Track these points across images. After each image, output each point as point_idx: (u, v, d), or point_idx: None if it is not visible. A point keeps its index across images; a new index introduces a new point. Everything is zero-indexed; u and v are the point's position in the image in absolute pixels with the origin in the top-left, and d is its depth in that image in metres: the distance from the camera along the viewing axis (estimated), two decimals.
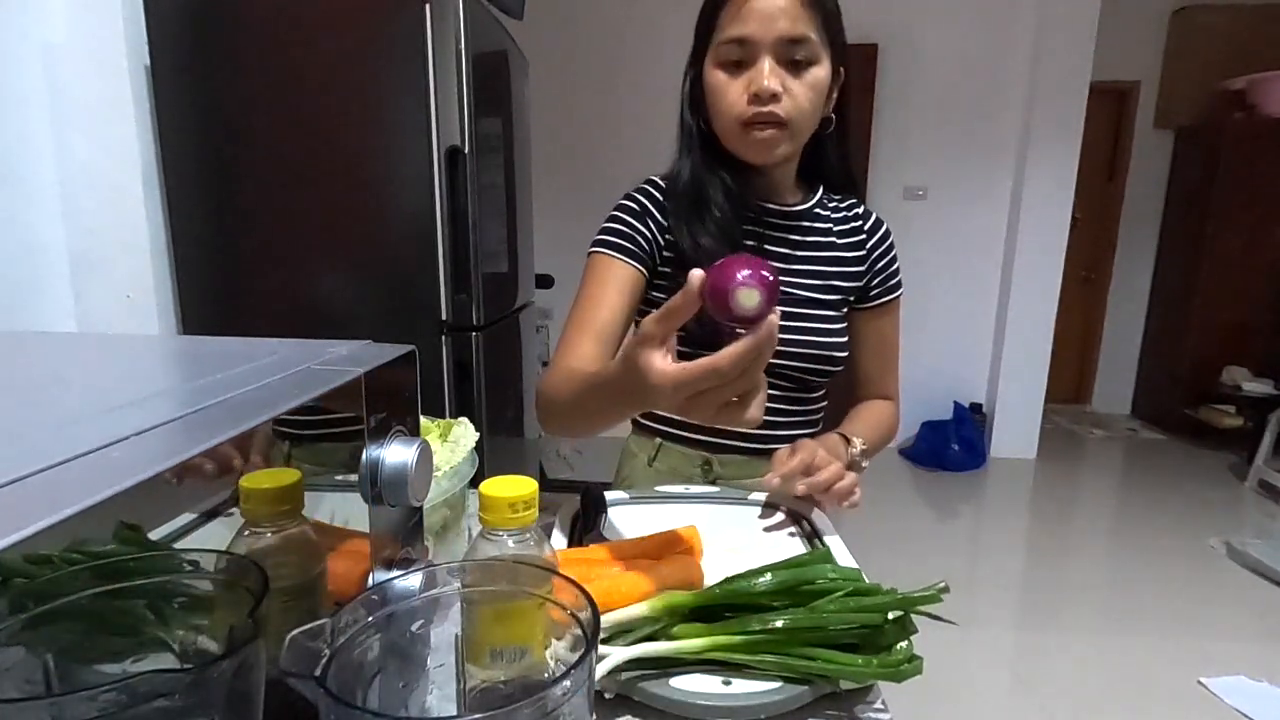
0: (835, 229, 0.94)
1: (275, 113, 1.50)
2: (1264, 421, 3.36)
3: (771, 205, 0.92)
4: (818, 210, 0.94)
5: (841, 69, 0.86)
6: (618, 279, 0.87)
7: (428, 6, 1.41)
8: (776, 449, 0.92)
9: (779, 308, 0.79)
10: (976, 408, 3.84)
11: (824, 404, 0.99)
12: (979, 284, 3.81)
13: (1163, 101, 4.13)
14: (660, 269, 0.91)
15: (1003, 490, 3.46)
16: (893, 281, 0.96)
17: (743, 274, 0.48)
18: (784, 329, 0.88)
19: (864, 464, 0.86)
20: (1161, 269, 4.30)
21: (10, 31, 1.35)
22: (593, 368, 0.78)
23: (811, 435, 0.98)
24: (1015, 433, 3.77)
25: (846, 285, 0.93)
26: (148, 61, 1.48)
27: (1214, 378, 3.91)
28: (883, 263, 0.95)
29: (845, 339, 0.93)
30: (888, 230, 0.97)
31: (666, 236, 0.89)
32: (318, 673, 0.28)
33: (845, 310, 0.94)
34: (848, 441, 0.86)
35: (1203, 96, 4.00)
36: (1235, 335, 3.92)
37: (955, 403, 3.77)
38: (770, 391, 0.91)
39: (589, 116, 3.73)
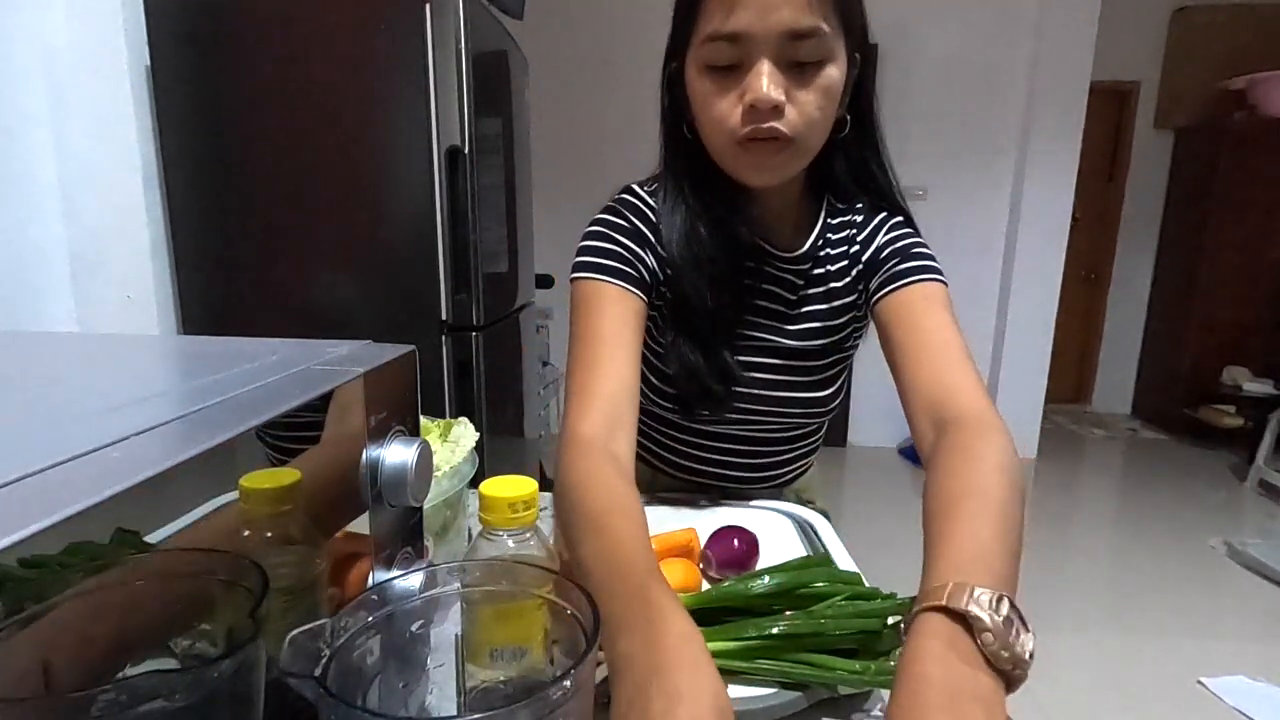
0: (833, 268, 0.80)
1: (275, 113, 1.50)
2: (1264, 421, 3.36)
3: (769, 247, 0.78)
4: (820, 247, 0.80)
5: (857, 55, 0.69)
6: (628, 315, 0.71)
7: (428, 6, 1.41)
8: (773, 473, 0.89)
9: (775, 360, 0.81)
10: None
11: (818, 434, 0.93)
12: (979, 284, 3.81)
13: (1163, 101, 4.13)
14: (655, 303, 0.77)
15: None
16: (903, 267, 0.74)
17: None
18: (775, 384, 0.81)
19: (1003, 615, 0.39)
20: (1161, 269, 4.30)
21: (10, 32, 1.35)
22: (622, 446, 0.64)
23: (806, 467, 0.93)
24: (1015, 433, 3.68)
25: (842, 320, 0.81)
26: (148, 62, 1.48)
27: (1214, 378, 3.91)
28: (884, 253, 0.77)
29: (839, 384, 0.84)
30: (893, 222, 0.79)
31: (668, 270, 0.75)
32: (318, 672, 0.28)
33: (845, 348, 0.84)
34: (969, 630, 0.39)
35: (1203, 96, 4.00)
36: (1235, 335, 3.92)
37: None
38: (764, 435, 0.85)
39: (589, 116, 3.73)
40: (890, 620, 0.53)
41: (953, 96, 3.64)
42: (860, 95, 0.73)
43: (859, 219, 0.80)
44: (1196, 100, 4.03)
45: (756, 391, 0.80)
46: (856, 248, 0.79)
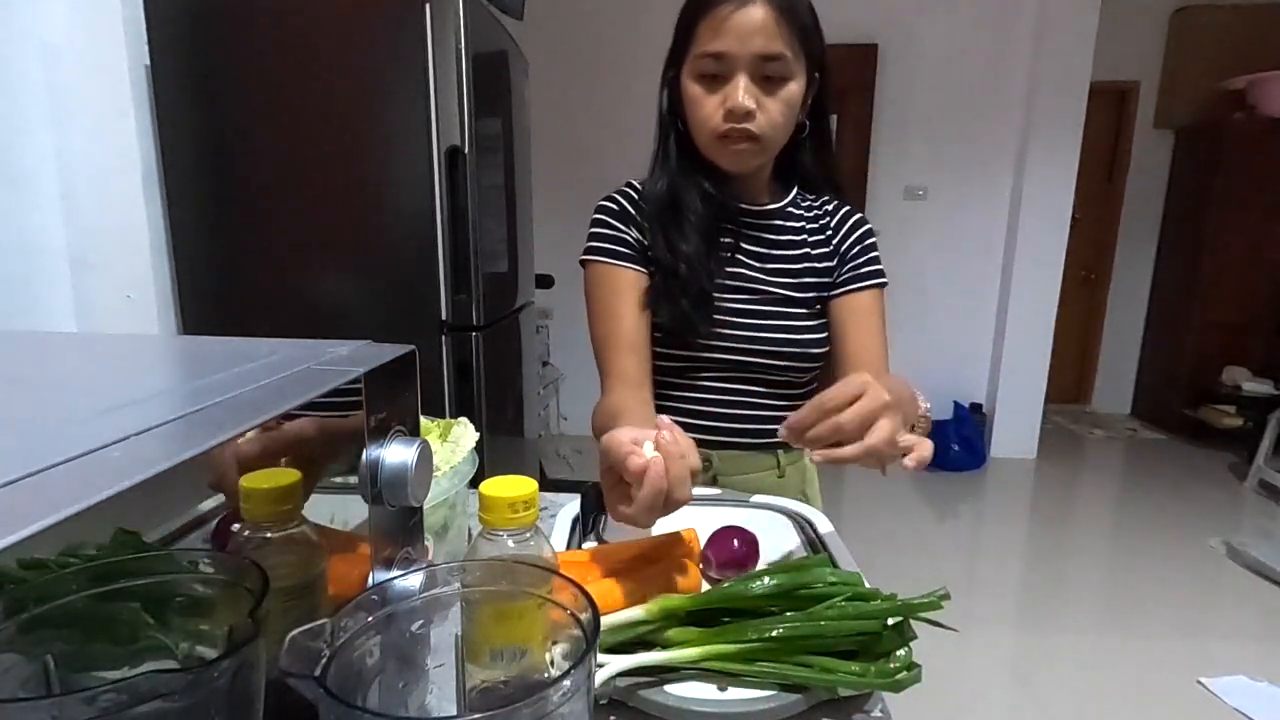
0: (807, 227, 0.95)
1: (275, 113, 1.50)
2: (1264, 421, 3.36)
3: (746, 205, 0.93)
4: (790, 209, 0.95)
5: (816, 75, 0.87)
6: (626, 285, 0.90)
7: (428, 6, 1.41)
8: (772, 443, 0.95)
9: (757, 306, 0.92)
10: (976, 408, 3.83)
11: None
12: (979, 284, 3.81)
13: (1163, 101, 4.13)
14: (648, 267, 0.93)
15: (1003, 490, 3.46)
16: (864, 270, 0.93)
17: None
18: (760, 327, 0.91)
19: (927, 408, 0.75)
20: (1161, 269, 4.30)
21: (10, 31, 1.35)
22: (637, 379, 0.88)
23: None
24: (1015, 433, 3.77)
25: (818, 281, 0.94)
26: (148, 61, 1.48)
27: (1214, 378, 3.91)
28: (852, 251, 0.94)
29: (823, 335, 0.93)
30: (861, 221, 0.96)
31: (643, 240, 0.91)
32: (317, 672, 0.28)
33: (820, 306, 0.94)
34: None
35: (1203, 96, 4.00)
36: (1235, 335, 3.91)
37: (955, 403, 3.77)
38: (755, 388, 0.94)
39: (589, 116, 3.73)
40: (891, 622, 0.53)
41: (953, 96, 3.64)
42: (819, 106, 0.91)
43: (830, 207, 0.97)
44: (1196, 100, 4.03)
45: (736, 331, 0.91)
46: (831, 231, 0.95)
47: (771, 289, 0.92)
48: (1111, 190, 4.26)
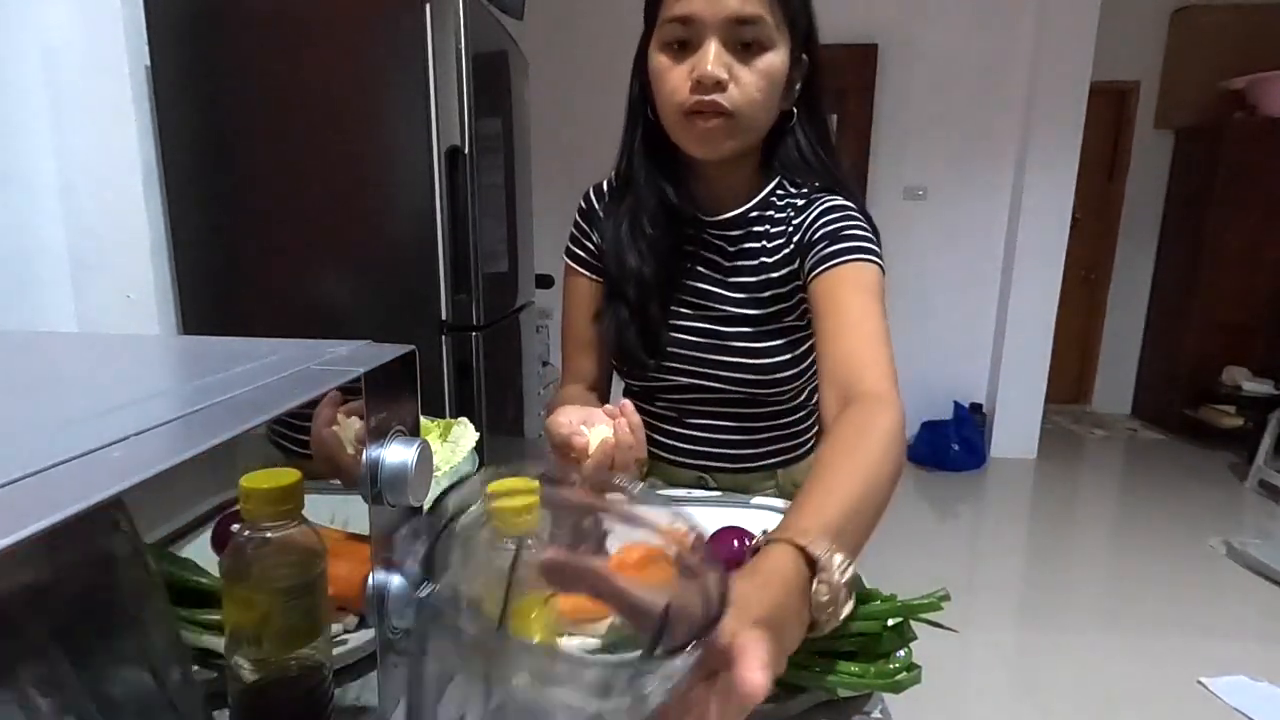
0: (770, 231, 0.83)
1: (275, 113, 1.50)
2: (1264, 421, 3.36)
3: (707, 217, 0.85)
4: (754, 212, 0.84)
5: (805, 57, 0.78)
6: (580, 294, 0.93)
7: (428, 6, 1.41)
8: (766, 465, 0.91)
9: (711, 326, 0.86)
10: (976, 408, 3.83)
11: (804, 419, 0.92)
12: (979, 284, 3.81)
13: (1163, 101, 4.13)
14: (600, 277, 0.92)
15: (1003, 490, 3.46)
16: (834, 247, 0.75)
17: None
18: (716, 348, 0.85)
19: (844, 580, 0.45)
20: (1161, 269, 4.30)
21: (10, 32, 1.35)
22: (589, 378, 0.94)
23: (795, 452, 0.93)
24: (1015, 433, 3.77)
25: (780, 291, 0.83)
26: (148, 62, 1.48)
27: (1214, 378, 3.91)
28: (815, 235, 0.78)
29: (786, 356, 0.84)
30: (833, 207, 0.79)
31: (602, 244, 0.90)
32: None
33: (788, 321, 0.85)
34: (811, 565, 0.44)
35: (1203, 96, 3.99)
36: (1235, 335, 3.91)
37: (955, 403, 3.76)
38: (725, 409, 0.89)
39: (589, 116, 3.72)
40: (890, 622, 0.53)
41: (953, 96, 3.64)
42: (812, 93, 0.81)
43: (800, 202, 0.83)
44: (1196, 100, 4.03)
45: (693, 353, 0.87)
46: (791, 228, 0.82)
47: (728, 307, 0.85)
48: (1111, 190, 4.26)
